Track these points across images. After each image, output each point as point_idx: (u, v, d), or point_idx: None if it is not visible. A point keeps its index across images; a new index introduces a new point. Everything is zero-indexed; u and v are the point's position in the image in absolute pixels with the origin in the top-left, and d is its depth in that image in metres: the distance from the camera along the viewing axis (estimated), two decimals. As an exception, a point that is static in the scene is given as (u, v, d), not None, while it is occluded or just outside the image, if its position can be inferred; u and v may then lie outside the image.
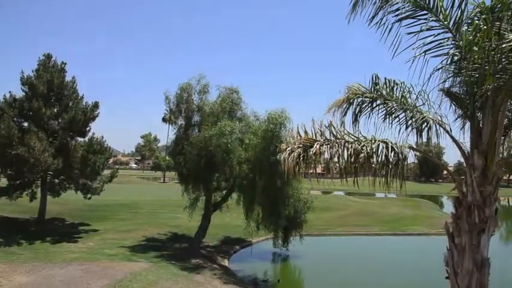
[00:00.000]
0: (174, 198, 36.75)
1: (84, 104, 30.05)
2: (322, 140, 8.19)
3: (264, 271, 25.91)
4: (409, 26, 8.21)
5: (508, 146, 9.71)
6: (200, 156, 24.36)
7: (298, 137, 8.33)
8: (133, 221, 35.09)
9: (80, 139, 30.03)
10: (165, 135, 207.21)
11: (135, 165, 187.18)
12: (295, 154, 7.76)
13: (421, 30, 7.91)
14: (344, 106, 8.92)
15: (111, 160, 69.14)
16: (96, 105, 30.30)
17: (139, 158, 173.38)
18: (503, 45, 6.09)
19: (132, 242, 26.75)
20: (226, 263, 25.97)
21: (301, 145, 8.01)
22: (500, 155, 8.31)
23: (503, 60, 6.32)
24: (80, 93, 30.24)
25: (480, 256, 7.67)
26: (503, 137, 8.12)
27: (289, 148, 7.93)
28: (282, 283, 23.33)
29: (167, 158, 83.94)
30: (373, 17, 8.24)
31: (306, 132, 8.42)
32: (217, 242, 30.24)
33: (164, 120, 76.24)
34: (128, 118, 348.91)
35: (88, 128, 30.23)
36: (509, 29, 6.26)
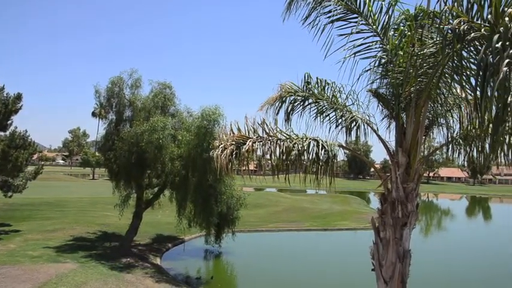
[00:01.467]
0: (104, 196, 35.49)
1: (5, 95, 28.11)
2: (255, 137, 8.27)
3: (196, 268, 25.74)
4: (340, 28, 8.50)
5: (429, 145, 10.32)
6: (131, 153, 23.69)
7: (231, 134, 8.35)
8: (60, 220, 33.27)
9: (1, 133, 28.07)
10: (95, 130, 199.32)
11: (63, 161, 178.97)
12: (228, 151, 7.77)
13: (352, 33, 8.22)
14: (277, 104, 9.06)
15: (35, 156, 65.49)
16: (18, 97, 28.37)
17: (66, 153, 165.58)
18: (425, 51, 6.44)
19: (58, 242, 25.40)
20: (158, 261, 25.49)
21: (234, 142, 8.04)
22: (422, 154, 8.83)
23: (424, 64, 6.69)
24: None
25: (402, 248, 8.11)
26: (424, 137, 8.64)
27: (222, 145, 7.93)
28: (215, 280, 23.29)
29: (97, 153, 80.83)
30: (306, 17, 8.44)
31: (239, 129, 8.47)
32: (149, 240, 29.60)
33: (94, 114, 73.50)
34: (54, 112, 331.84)
35: (10, 121, 28.30)
36: (429, 36, 6.62)
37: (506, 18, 4.44)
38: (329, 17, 8.43)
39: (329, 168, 8.05)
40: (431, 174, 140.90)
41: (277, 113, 9.04)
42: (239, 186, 27.37)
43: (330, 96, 9.19)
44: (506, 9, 4.61)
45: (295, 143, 8.05)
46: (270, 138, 8.25)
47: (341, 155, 9.13)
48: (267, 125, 8.49)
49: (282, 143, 8.11)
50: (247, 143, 7.93)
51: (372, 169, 12.10)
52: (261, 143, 8.17)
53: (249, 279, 23.95)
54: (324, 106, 9.12)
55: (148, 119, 23.59)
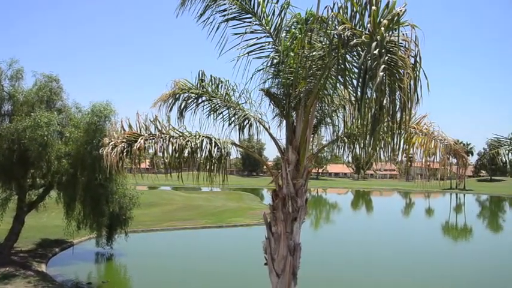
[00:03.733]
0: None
1: None
2: (147, 134, 8.08)
3: (87, 273, 24.39)
4: (235, 27, 8.62)
5: (318, 143, 10.88)
6: (12, 150, 21.64)
7: (122, 131, 8.05)
8: None
9: None
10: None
11: None
12: (119, 149, 7.49)
13: (246, 33, 8.37)
14: (170, 101, 8.93)
15: None
16: None
17: None
18: (314, 53, 6.78)
19: None
20: (43, 268, 23.63)
21: (124, 139, 7.77)
22: (311, 151, 9.29)
23: (313, 66, 7.05)
24: None
25: (293, 242, 8.47)
26: (312, 135, 9.10)
27: (112, 142, 7.61)
28: (108, 284, 22.29)
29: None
30: (201, 14, 8.41)
31: (130, 126, 8.20)
32: (32, 245, 27.35)
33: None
34: None
35: None
36: (318, 39, 6.97)
37: (382, 28, 4.84)
38: (224, 15, 8.51)
39: (222, 166, 8.13)
40: (320, 170, 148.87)
41: (171, 110, 8.93)
42: (132, 185, 26.48)
43: (224, 94, 9.27)
44: (382, 20, 5.01)
45: (188, 141, 8.00)
46: (163, 135, 8.11)
47: (235, 153, 9.28)
48: (159, 122, 8.33)
49: (174, 140, 8.02)
50: (139, 141, 7.71)
51: (266, 166, 12.39)
52: (153, 140, 8.00)
53: (144, 280, 23.30)
54: (218, 104, 9.19)
55: (31, 114, 21.73)
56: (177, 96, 8.97)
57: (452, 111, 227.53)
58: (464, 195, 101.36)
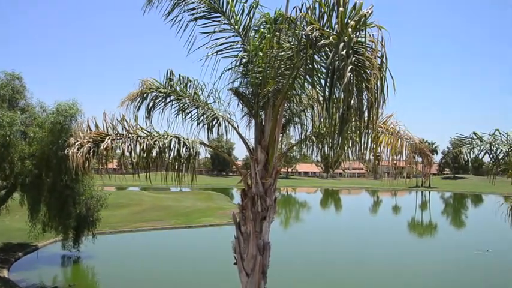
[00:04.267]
0: None
1: None
2: (114, 134, 7.94)
3: (53, 277, 23.75)
4: (204, 25, 8.56)
5: (287, 143, 10.96)
6: (-29, 151, 20.86)
7: (89, 131, 7.88)
8: None
9: None
10: None
11: None
12: (85, 149, 7.33)
13: (215, 32, 8.33)
14: (138, 100, 8.81)
15: None
16: None
17: None
18: (282, 53, 6.81)
19: None
20: (5, 273, 22.86)
21: (91, 139, 7.62)
22: (279, 150, 9.34)
23: (282, 66, 7.07)
24: None
25: (262, 241, 8.49)
26: (281, 134, 9.15)
27: (78, 142, 7.44)
28: (74, 287, 21.78)
29: None
30: (169, 13, 8.33)
31: (97, 126, 8.05)
32: (-7, 250, 26.43)
33: None
34: None
35: None
36: (287, 39, 7.00)
37: (350, 29, 4.90)
38: (193, 14, 8.45)
39: (191, 166, 8.07)
40: (289, 169, 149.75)
41: (138, 110, 8.80)
42: (99, 186, 25.98)
43: (192, 94, 9.20)
44: (349, 21, 5.07)
45: (156, 141, 7.92)
46: (130, 135, 8.00)
47: (204, 152, 9.24)
48: (127, 122, 8.21)
49: (142, 140, 7.92)
50: (106, 141, 7.57)
51: (234, 166, 12.41)
52: (120, 140, 7.87)
53: (111, 282, 22.88)
54: (186, 103, 9.12)
55: (-9, 113, 20.98)
56: (145, 95, 8.85)
57: (417, 110, 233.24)
58: (429, 192, 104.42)
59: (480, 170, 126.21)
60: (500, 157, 11.64)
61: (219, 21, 8.46)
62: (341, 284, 23.62)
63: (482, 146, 11.91)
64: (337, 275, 24.77)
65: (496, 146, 11.68)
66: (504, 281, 24.24)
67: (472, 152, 11.95)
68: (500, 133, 11.94)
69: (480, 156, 12.18)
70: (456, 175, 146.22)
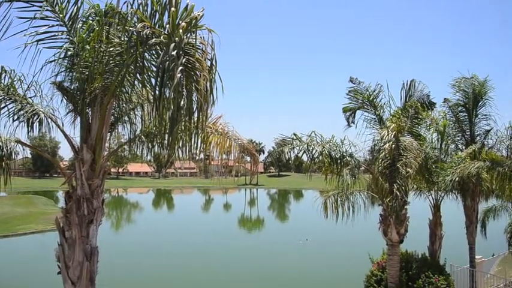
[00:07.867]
0: None
1: None
2: None
3: None
4: (21, 9, 7.61)
5: (118, 142, 10.51)
6: None
7: None
8: None
9: None
10: None
11: None
12: None
13: (35, 18, 7.49)
14: None
15: None
16: None
17: None
18: (111, 49, 6.53)
19: None
20: None
21: None
22: (107, 150, 8.93)
23: (111, 62, 6.78)
24: None
25: (90, 246, 7.99)
26: (109, 133, 8.75)
27: None
28: None
29: None
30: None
31: None
32: None
33: None
34: None
35: None
36: (117, 35, 6.72)
37: (181, 30, 4.96)
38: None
39: (4, 167, 7.18)
40: (120, 169, 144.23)
41: None
42: None
43: (8, 86, 8.15)
44: (181, 22, 5.13)
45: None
46: None
47: (22, 152, 8.31)
48: None
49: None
50: None
51: (57, 166, 11.30)
52: None
53: None
54: (1, 96, 8.04)
55: None
56: None
57: (247, 112, 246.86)
58: (257, 189, 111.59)
59: (301, 167, 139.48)
60: (315, 156, 13.10)
61: (40, 6, 7.64)
62: (168, 283, 23.65)
63: (301, 146, 13.27)
64: (165, 276, 24.73)
65: (312, 146, 13.12)
66: (319, 263, 27.29)
67: (292, 152, 13.20)
68: (315, 134, 13.45)
69: (299, 155, 13.55)
70: (280, 173, 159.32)
